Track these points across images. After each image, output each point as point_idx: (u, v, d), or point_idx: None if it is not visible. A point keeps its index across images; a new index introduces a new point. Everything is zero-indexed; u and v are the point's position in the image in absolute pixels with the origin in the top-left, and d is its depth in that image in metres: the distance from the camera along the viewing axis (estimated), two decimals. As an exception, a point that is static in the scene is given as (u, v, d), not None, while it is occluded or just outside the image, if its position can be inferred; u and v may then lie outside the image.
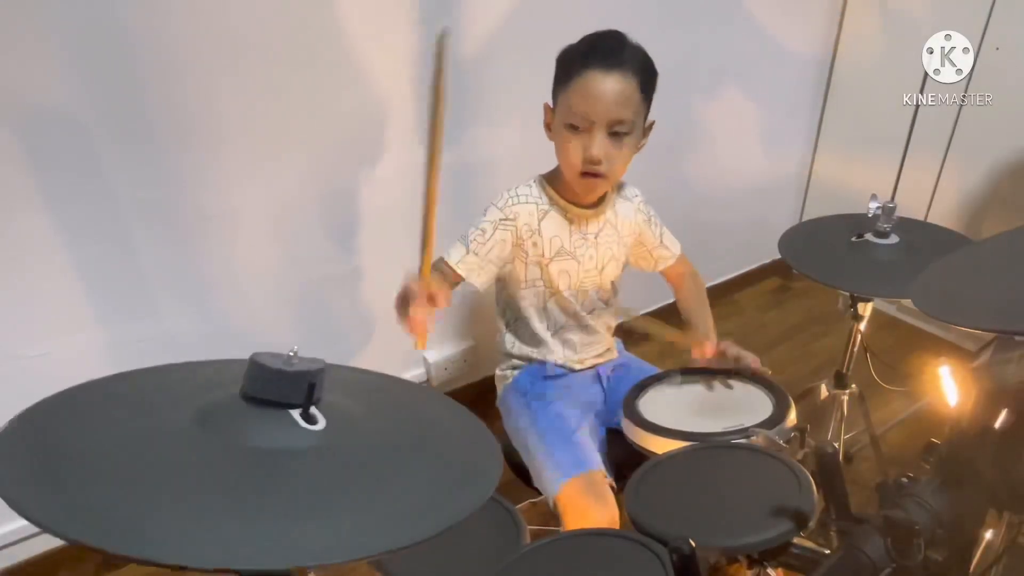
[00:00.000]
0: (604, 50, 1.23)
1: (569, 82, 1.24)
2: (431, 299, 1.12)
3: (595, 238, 1.42)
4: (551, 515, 1.35)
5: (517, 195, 1.37)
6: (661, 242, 1.53)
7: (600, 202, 1.42)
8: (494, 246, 1.35)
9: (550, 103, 1.33)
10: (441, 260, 1.36)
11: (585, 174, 1.28)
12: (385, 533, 0.58)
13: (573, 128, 1.25)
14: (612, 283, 1.52)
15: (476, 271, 1.36)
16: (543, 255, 1.39)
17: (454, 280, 1.36)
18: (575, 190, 1.36)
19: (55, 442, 0.62)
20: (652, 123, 1.34)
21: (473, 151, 1.98)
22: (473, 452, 0.77)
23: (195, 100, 1.54)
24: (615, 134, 1.25)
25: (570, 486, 1.28)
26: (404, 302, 1.15)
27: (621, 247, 1.47)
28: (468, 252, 1.35)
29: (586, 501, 1.27)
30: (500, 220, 1.35)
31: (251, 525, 0.55)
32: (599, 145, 1.24)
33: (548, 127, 1.34)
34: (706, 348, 1.41)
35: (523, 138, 1.99)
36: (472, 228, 1.36)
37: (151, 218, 1.59)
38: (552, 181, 1.40)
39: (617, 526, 1.25)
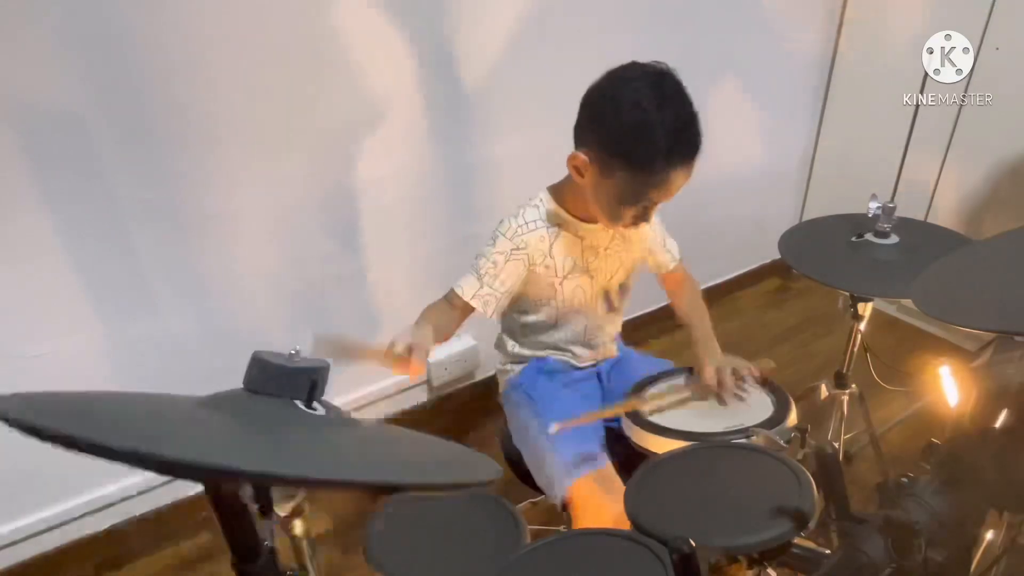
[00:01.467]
0: (691, 144, 1.20)
1: (651, 173, 1.18)
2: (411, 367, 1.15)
3: (605, 250, 1.42)
4: (551, 515, 1.34)
5: (525, 223, 1.33)
6: (664, 245, 1.53)
7: None
8: (507, 277, 1.33)
9: (581, 153, 1.21)
10: (452, 292, 1.34)
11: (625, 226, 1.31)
12: (376, 469, 0.62)
13: (639, 206, 1.24)
14: (620, 288, 1.51)
15: (491, 304, 1.34)
16: (556, 275, 1.38)
17: (466, 311, 1.35)
18: (597, 223, 1.35)
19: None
20: None
21: (475, 152, 1.98)
22: (469, 457, 0.78)
23: (196, 100, 1.54)
24: None
25: (581, 484, 1.27)
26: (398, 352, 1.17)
27: (628, 252, 1.46)
28: (482, 286, 1.32)
29: (599, 499, 1.25)
30: (511, 251, 1.32)
31: (254, 441, 0.60)
32: (653, 215, 1.28)
33: (579, 173, 1.24)
34: (709, 385, 1.35)
35: (525, 140, 2.00)
36: (481, 258, 1.33)
37: (151, 218, 1.59)
38: (561, 198, 1.36)
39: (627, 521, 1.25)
